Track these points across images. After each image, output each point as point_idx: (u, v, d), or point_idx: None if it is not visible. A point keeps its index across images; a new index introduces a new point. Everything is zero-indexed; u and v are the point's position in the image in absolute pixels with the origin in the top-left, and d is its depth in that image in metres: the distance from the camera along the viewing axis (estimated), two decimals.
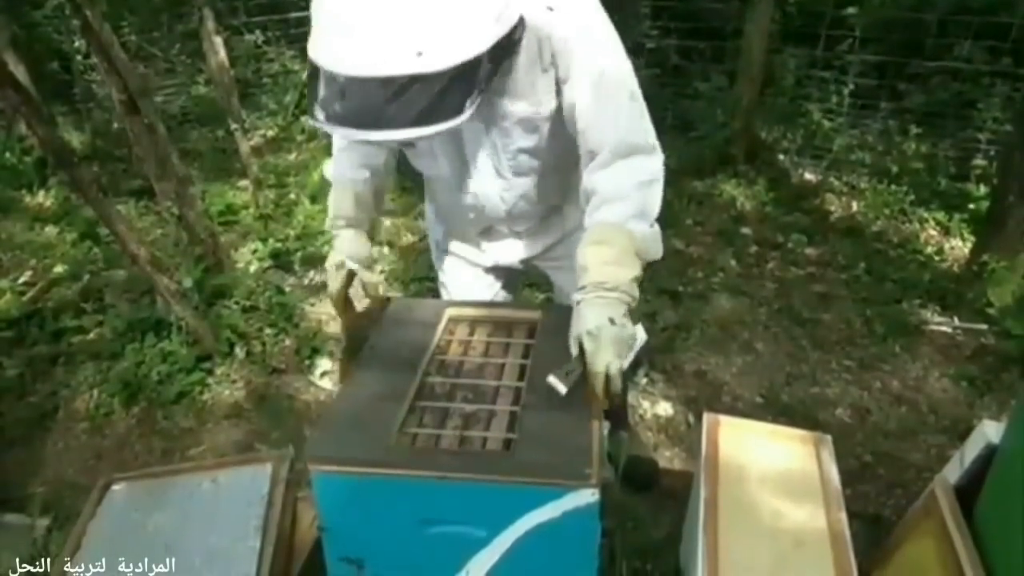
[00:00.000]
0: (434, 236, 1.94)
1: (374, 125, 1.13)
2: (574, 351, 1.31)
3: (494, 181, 1.56)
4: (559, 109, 1.42)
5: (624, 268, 1.32)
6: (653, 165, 1.40)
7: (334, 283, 1.58)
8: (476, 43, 1.14)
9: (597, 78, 1.35)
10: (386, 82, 1.09)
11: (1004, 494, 1.39)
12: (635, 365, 1.97)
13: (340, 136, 1.42)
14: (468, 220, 1.71)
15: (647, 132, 1.40)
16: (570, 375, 1.29)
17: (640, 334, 1.53)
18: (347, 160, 1.64)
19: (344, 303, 1.61)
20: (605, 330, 1.26)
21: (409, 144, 1.47)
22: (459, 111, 1.16)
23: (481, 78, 1.18)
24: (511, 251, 1.78)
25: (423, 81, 1.10)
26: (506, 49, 1.25)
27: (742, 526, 1.53)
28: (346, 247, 1.62)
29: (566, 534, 1.21)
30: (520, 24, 1.28)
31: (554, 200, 1.68)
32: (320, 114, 1.16)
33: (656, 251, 1.41)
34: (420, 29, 1.09)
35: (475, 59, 1.14)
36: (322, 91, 1.15)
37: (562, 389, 1.28)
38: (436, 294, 3.17)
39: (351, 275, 1.57)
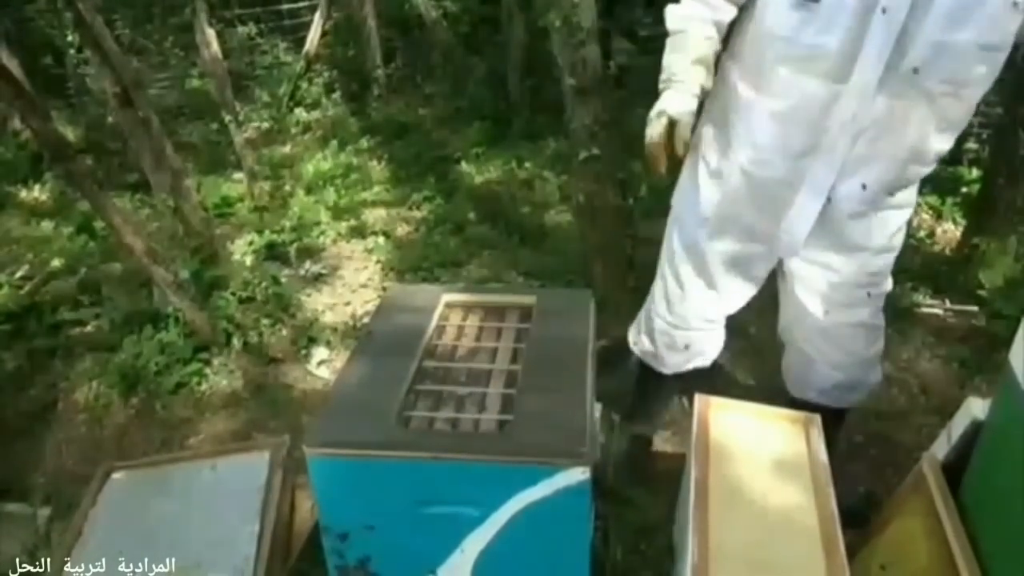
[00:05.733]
0: (693, 234, 1.89)
1: None
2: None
3: (878, 74, 1.47)
4: None
5: None
6: None
7: (654, 129, 1.63)
8: None
9: None
10: None
11: (990, 470, 1.41)
12: None
13: None
14: (809, 133, 1.62)
15: None
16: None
17: None
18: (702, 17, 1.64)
19: (660, 151, 1.64)
20: None
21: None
22: None
23: None
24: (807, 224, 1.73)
25: None
26: None
27: (732, 505, 1.55)
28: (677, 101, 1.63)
29: (558, 512, 1.24)
30: None
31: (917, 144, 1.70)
32: None
33: None
34: None
35: None
36: None
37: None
38: (431, 281, 3.21)
39: (672, 124, 1.61)
